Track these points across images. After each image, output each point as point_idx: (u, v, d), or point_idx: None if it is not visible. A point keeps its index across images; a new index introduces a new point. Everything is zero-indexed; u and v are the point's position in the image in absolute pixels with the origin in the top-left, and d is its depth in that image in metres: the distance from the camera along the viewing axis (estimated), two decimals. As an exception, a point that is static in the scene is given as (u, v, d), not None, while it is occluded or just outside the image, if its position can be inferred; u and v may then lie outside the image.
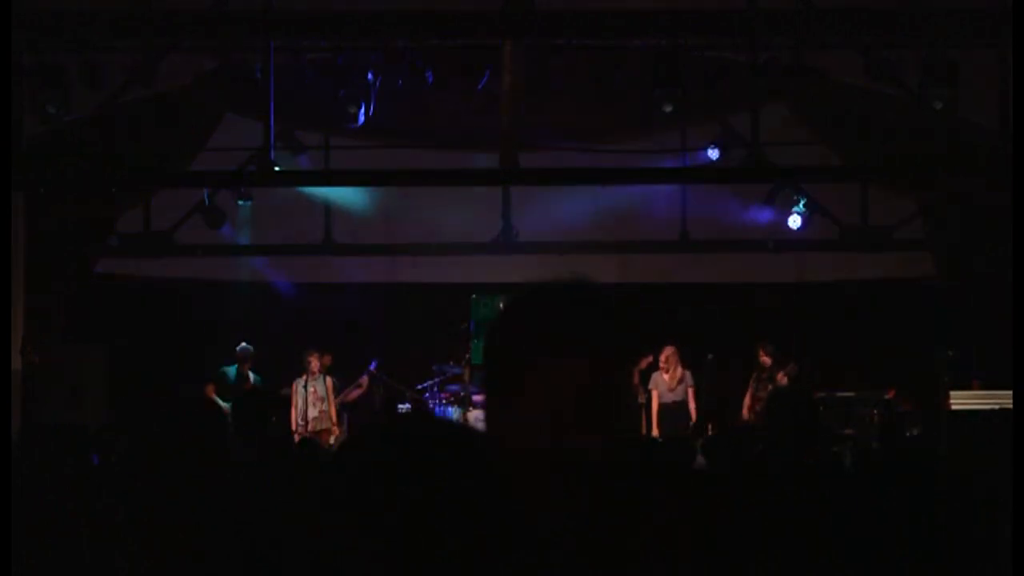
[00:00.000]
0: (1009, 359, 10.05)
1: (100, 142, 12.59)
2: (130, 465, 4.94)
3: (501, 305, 14.58)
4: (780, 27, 12.14)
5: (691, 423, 14.06)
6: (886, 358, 15.06)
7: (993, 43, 11.87)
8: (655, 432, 13.76)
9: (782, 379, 13.85)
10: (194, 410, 3.76)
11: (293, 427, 14.21)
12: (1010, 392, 10.45)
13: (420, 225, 15.62)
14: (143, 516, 3.40)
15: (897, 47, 12.31)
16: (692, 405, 14.28)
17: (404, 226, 15.65)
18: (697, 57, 12.88)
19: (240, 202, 15.25)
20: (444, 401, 15.06)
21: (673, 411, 14.14)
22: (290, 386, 14.46)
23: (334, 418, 14.43)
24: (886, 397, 13.57)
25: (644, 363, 14.16)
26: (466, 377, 15.30)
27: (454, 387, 15.23)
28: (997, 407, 10.62)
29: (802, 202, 14.99)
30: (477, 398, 14.79)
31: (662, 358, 14.19)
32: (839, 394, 13.59)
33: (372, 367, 15.17)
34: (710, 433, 13.73)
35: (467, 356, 15.64)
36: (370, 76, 12.48)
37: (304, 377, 14.38)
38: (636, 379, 13.42)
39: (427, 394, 15.25)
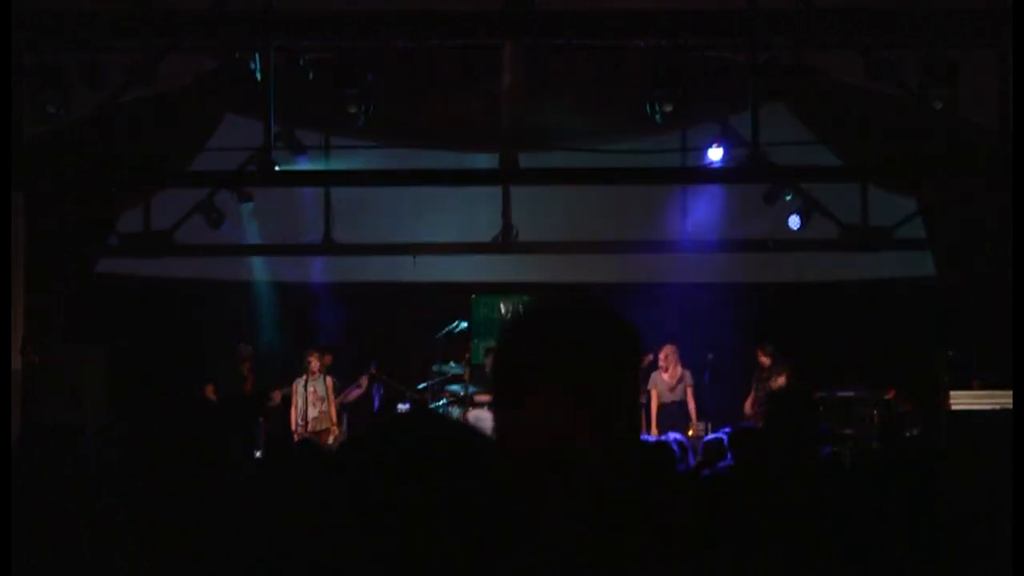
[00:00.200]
0: (1009, 359, 10.05)
1: (100, 142, 12.57)
2: (130, 465, 4.94)
3: (506, 320, 14.61)
4: (780, 27, 12.14)
5: (690, 423, 14.07)
6: (886, 358, 15.06)
7: (993, 43, 11.87)
8: (654, 432, 13.75)
9: (780, 380, 13.85)
10: (194, 410, 3.76)
11: (293, 427, 14.22)
12: (1010, 392, 10.45)
13: (420, 225, 15.62)
14: (143, 516, 3.39)
15: (897, 47, 12.31)
16: (691, 405, 14.27)
17: (404, 226, 15.64)
18: (697, 57, 12.87)
19: (243, 203, 15.25)
20: (444, 401, 15.06)
21: (672, 411, 14.14)
22: (290, 386, 14.46)
23: (334, 418, 14.43)
24: (886, 397, 13.56)
25: (644, 362, 14.17)
26: (466, 377, 15.32)
27: (454, 387, 15.24)
28: (997, 407, 10.63)
29: (788, 196, 14.95)
30: (481, 398, 14.83)
31: (661, 356, 14.20)
32: (839, 394, 13.58)
33: (372, 367, 15.17)
34: (710, 433, 13.76)
35: (467, 356, 15.66)
36: (370, 76, 12.48)
37: (304, 377, 14.39)
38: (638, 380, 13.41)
39: (427, 394, 15.26)
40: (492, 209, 15.28)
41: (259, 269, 16.71)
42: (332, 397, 14.42)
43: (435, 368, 15.25)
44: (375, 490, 1.70)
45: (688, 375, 14.30)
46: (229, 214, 15.19)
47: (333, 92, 12.31)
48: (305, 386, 14.30)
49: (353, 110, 12.31)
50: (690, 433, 13.53)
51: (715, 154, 14.50)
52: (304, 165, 14.79)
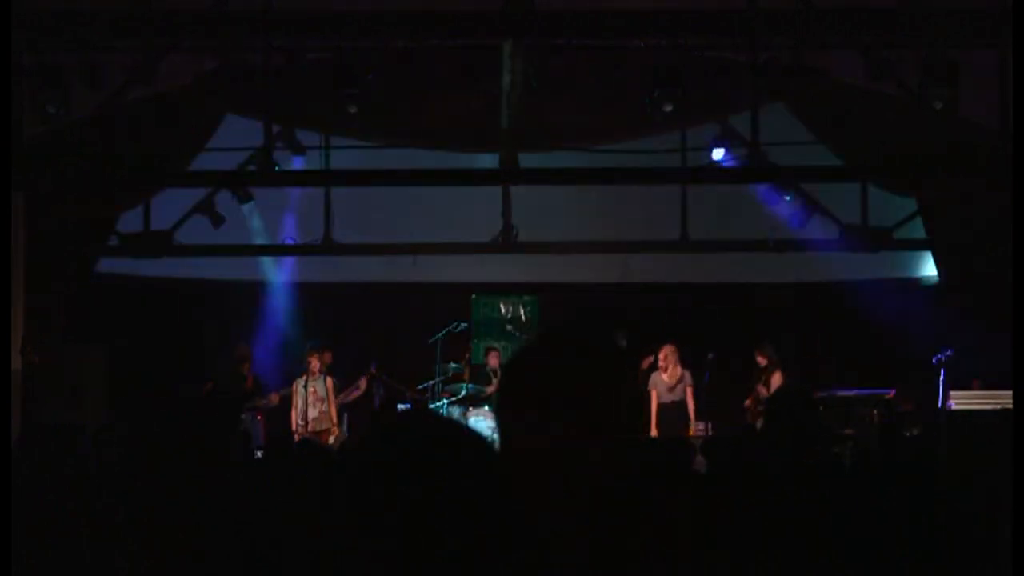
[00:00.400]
0: (1009, 359, 10.06)
1: (100, 142, 12.58)
2: (130, 465, 4.94)
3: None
4: (780, 27, 12.15)
5: (690, 423, 14.07)
6: (886, 358, 15.05)
7: (993, 43, 11.88)
8: (654, 432, 13.75)
9: (777, 380, 13.84)
10: (194, 410, 3.76)
11: (293, 427, 14.21)
12: (1010, 392, 10.46)
13: (420, 225, 15.61)
14: (143, 516, 3.39)
15: (897, 47, 12.31)
16: (691, 405, 14.27)
17: (404, 226, 15.64)
18: (697, 57, 12.88)
19: (243, 203, 15.25)
20: (444, 401, 15.06)
21: (672, 411, 14.13)
22: (290, 386, 14.46)
23: (334, 418, 14.42)
24: (886, 397, 13.56)
25: (645, 363, 14.17)
26: (466, 377, 15.32)
27: (454, 387, 15.24)
28: (997, 407, 10.62)
29: (788, 198, 14.93)
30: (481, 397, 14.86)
31: (660, 356, 14.19)
32: (839, 394, 13.58)
33: (372, 367, 15.16)
34: (710, 433, 13.76)
35: (467, 356, 15.65)
36: (370, 76, 12.48)
37: (304, 377, 14.38)
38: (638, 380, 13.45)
39: (427, 394, 15.26)
40: (492, 209, 15.27)
41: (267, 268, 16.69)
42: (332, 397, 14.41)
43: (435, 368, 15.26)
44: (375, 490, 1.69)
45: (688, 375, 14.29)
46: (229, 214, 15.18)
47: (333, 92, 12.32)
48: (305, 386, 14.29)
49: (353, 110, 12.31)
50: (690, 433, 13.53)
51: (719, 153, 14.51)
52: (304, 165, 14.81)
